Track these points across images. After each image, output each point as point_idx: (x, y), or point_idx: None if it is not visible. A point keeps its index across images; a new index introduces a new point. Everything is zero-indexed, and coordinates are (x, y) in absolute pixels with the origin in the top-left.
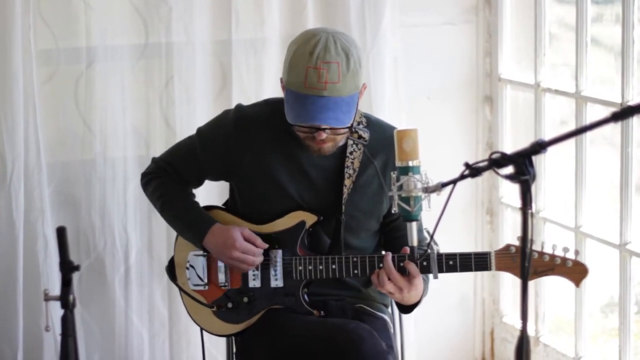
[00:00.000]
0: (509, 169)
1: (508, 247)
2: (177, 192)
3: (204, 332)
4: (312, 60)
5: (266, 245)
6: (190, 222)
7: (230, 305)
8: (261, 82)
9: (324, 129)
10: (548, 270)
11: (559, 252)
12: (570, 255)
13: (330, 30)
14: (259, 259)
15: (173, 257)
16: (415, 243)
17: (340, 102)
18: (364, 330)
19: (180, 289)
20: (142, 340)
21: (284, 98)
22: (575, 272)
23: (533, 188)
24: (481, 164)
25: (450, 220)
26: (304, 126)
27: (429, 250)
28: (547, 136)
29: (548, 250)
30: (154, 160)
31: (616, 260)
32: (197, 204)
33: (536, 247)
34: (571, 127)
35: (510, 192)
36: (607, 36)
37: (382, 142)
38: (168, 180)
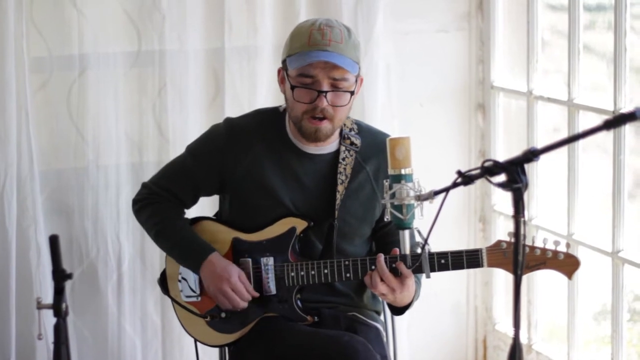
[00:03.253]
0: (502, 177)
1: (499, 242)
2: (172, 219)
3: (197, 342)
4: (316, 25)
5: (256, 294)
6: (187, 252)
7: (223, 315)
8: (254, 89)
9: (325, 94)
10: (540, 264)
11: (549, 246)
12: (562, 248)
13: None
14: (244, 304)
15: (165, 269)
16: (407, 251)
17: (344, 59)
18: (358, 343)
19: (173, 301)
20: (134, 349)
21: (287, 72)
22: (567, 264)
23: (525, 195)
24: (473, 172)
25: (443, 228)
26: (306, 84)
27: (419, 250)
28: (539, 144)
29: (539, 244)
30: (145, 185)
31: (609, 268)
32: (193, 231)
33: (527, 241)
34: (564, 134)
35: (503, 199)
36: (600, 43)
37: (373, 147)
38: (161, 206)
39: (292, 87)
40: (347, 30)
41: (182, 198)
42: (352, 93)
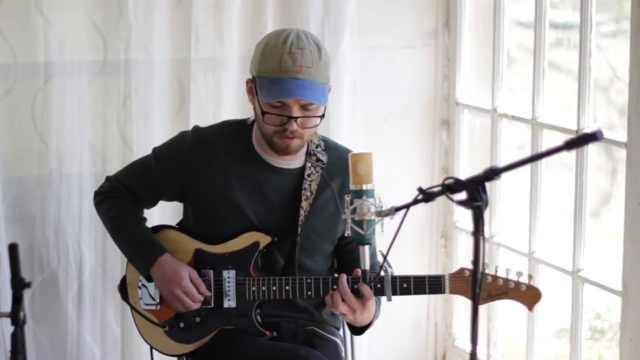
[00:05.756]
0: (463, 195)
1: (462, 270)
2: (130, 215)
3: (154, 351)
4: (287, 46)
5: (209, 294)
6: (140, 249)
7: (182, 325)
8: (219, 101)
9: (295, 119)
10: (502, 294)
11: (512, 276)
12: (524, 279)
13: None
14: (197, 305)
15: (125, 276)
16: (367, 267)
17: (315, 85)
18: (316, 357)
19: (132, 308)
20: (93, 358)
21: (256, 90)
22: (529, 296)
23: (488, 213)
24: (434, 189)
25: (405, 244)
26: (277, 109)
27: (382, 273)
28: (503, 161)
29: (502, 274)
30: (109, 178)
31: (569, 287)
32: (148, 230)
33: (490, 270)
34: (529, 152)
35: (465, 216)
36: (568, 62)
37: (339, 165)
38: (121, 202)
39: (263, 113)
40: (317, 49)
41: (141, 198)
42: (321, 117)
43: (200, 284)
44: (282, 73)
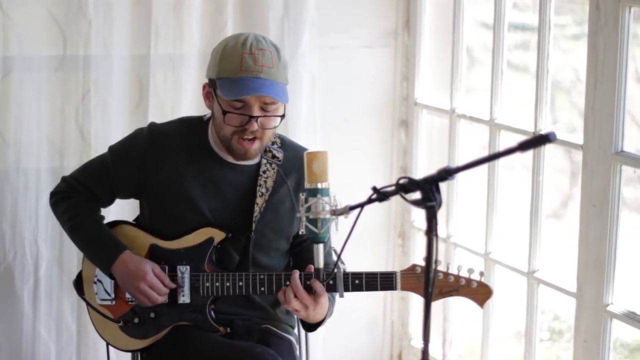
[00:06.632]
0: (417, 195)
1: (414, 267)
2: (87, 214)
3: (110, 347)
4: (247, 47)
5: (173, 285)
6: (100, 247)
7: (136, 320)
8: (179, 98)
9: (256, 119)
10: (453, 290)
11: (464, 273)
12: (475, 276)
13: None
14: (162, 298)
15: (81, 271)
16: (321, 265)
17: (276, 85)
18: (270, 356)
19: (88, 304)
20: (49, 353)
21: (215, 93)
22: (480, 293)
23: (445, 213)
24: (389, 189)
25: (363, 242)
26: (238, 110)
27: (335, 269)
28: (462, 161)
29: (453, 271)
30: (64, 178)
31: (525, 288)
32: (107, 227)
33: (442, 267)
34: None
35: (423, 216)
36: (529, 64)
37: (295, 162)
38: (78, 201)
39: (224, 112)
40: (276, 51)
41: (99, 196)
42: (282, 117)
43: (164, 277)
44: (243, 72)
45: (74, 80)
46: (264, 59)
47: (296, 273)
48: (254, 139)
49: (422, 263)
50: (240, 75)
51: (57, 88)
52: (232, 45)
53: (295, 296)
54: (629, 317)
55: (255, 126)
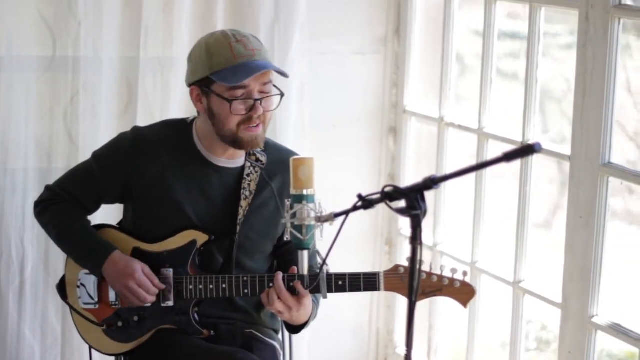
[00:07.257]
0: (402, 203)
1: (397, 267)
2: (74, 219)
3: (93, 350)
4: (231, 38)
5: (163, 286)
6: (90, 249)
7: (120, 324)
8: (167, 100)
9: (260, 101)
10: (436, 290)
11: (447, 273)
12: (458, 276)
13: None
14: (152, 298)
15: (64, 275)
16: (305, 272)
17: (272, 63)
18: None
19: (71, 308)
20: (33, 355)
21: (210, 89)
22: (463, 293)
23: (432, 221)
24: (374, 197)
25: (349, 249)
26: (240, 100)
27: (318, 270)
28: (450, 170)
29: (437, 271)
30: (48, 187)
31: (510, 297)
32: (94, 230)
33: (425, 268)
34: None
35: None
36: (516, 72)
37: (279, 165)
38: (64, 207)
39: (230, 101)
40: (255, 37)
41: (85, 203)
42: (282, 95)
43: (153, 277)
44: (239, 59)
45: (63, 81)
46: (251, 44)
47: (279, 275)
48: (258, 124)
49: (406, 263)
50: (237, 62)
51: (46, 89)
52: (213, 41)
53: (279, 298)
54: (613, 329)
55: (260, 110)
